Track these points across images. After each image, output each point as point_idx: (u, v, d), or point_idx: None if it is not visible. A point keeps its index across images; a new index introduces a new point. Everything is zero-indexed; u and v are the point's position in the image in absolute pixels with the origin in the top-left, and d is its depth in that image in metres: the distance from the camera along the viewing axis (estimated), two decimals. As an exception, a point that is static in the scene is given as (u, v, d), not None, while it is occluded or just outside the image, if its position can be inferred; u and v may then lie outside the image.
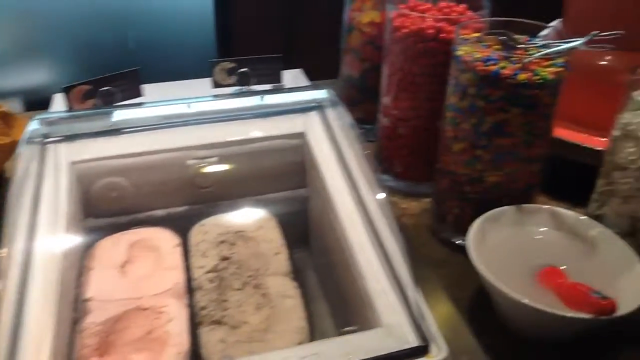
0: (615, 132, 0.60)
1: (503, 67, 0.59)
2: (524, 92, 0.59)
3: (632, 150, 0.58)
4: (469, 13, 0.75)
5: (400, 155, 0.79)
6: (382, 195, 0.75)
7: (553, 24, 0.93)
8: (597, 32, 0.59)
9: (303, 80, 0.94)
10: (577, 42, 0.59)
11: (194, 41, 1.79)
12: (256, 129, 0.82)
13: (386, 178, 0.82)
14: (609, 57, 0.82)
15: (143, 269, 0.68)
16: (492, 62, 0.59)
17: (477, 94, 0.61)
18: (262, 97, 0.86)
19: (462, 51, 0.62)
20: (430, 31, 0.69)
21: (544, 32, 0.83)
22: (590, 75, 0.82)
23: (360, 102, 0.90)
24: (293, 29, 1.70)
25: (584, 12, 0.85)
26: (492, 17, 0.72)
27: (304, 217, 0.82)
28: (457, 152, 0.65)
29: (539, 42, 0.63)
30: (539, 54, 0.59)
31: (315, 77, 1.00)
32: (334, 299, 0.74)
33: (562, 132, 0.82)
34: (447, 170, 0.68)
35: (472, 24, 0.70)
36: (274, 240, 0.75)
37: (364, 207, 0.69)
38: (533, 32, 0.66)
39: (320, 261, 0.80)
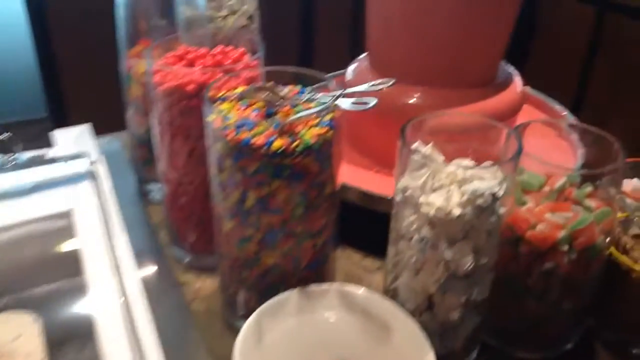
0: (396, 197, 0.52)
1: (258, 134, 0.49)
2: (283, 162, 0.49)
3: (412, 219, 0.50)
4: (246, 58, 0.65)
5: (189, 224, 0.68)
6: (139, 287, 0.64)
7: (360, 56, 0.86)
8: (344, 90, 0.50)
9: (87, 140, 0.81)
10: (339, 97, 0.50)
11: (19, 95, 1.59)
12: (13, 212, 0.68)
13: (179, 252, 0.71)
14: (417, 94, 0.75)
15: None
16: (245, 127, 0.49)
17: (233, 167, 0.50)
18: (22, 171, 0.72)
19: (214, 115, 0.52)
20: (191, 87, 0.59)
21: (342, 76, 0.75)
22: (398, 114, 0.75)
23: (152, 161, 0.78)
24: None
25: (384, 50, 0.79)
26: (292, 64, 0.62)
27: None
28: (228, 231, 0.55)
29: (308, 96, 0.54)
30: (296, 115, 0.50)
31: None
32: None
33: (371, 183, 0.74)
34: (223, 251, 0.57)
35: (248, 73, 0.61)
36: (33, 353, 0.61)
37: (127, 302, 0.57)
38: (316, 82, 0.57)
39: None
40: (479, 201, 0.47)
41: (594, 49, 1.42)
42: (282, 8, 1.44)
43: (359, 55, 0.88)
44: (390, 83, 0.52)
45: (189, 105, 0.59)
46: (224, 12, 0.85)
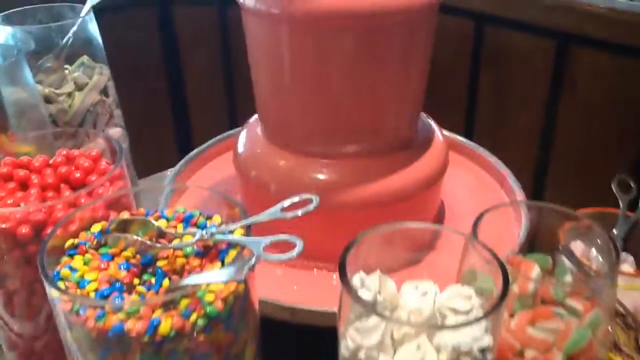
0: (343, 351, 0.38)
1: (133, 313, 0.32)
2: (178, 347, 0.33)
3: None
4: (103, 165, 0.48)
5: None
6: None
7: (251, 119, 0.70)
8: (258, 256, 0.35)
9: None
10: (253, 264, 0.34)
11: None
12: None
13: None
14: (325, 168, 0.61)
15: None
16: (112, 304, 0.33)
17: (102, 363, 0.34)
18: None
19: (58, 290, 0.34)
20: (24, 231, 0.41)
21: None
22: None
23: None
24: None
25: (277, 113, 0.64)
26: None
27: None
28: None
29: (201, 232, 0.38)
30: (189, 280, 0.34)
31: None
32: None
33: (288, 286, 0.59)
34: None
35: (107, 192, 0.44)
36: None
37: None
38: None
39: None
40: (465, 360, 0.34)
41: (477, 63, 1.38)
42: (141, 69, 1.24)
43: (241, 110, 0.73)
44: (314, 204, 0.37)
45: (25, 254, 0.41)
46: (67, 89, 0.66)
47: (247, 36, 0.61)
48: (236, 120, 1.31)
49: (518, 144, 1.30)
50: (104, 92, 0.68)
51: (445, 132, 0.82)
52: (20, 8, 0.67)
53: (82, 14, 0.64)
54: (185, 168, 0.76)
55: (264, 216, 0.37)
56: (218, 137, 0.82)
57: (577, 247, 0.55)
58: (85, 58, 0.69)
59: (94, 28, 0.67)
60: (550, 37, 1.19)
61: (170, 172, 0.76)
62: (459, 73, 1.34)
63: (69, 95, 0.66)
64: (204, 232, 0.37)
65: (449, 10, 1.30)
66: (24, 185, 0.46)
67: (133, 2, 1.20)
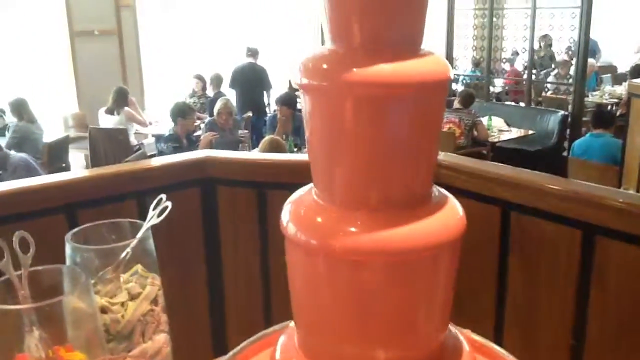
0: None
1: None
2: None
3: None
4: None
5: None
6: None
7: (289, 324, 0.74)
8: None
9: None
10: None
11: None
12: None
13: None
14: None
15: None
16: None
17: None
18: None
19: None
20: None
21: None
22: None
23: None
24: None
25: (314, 332, 0.68)
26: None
27: None
28: None
29: None
30: None
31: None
32: None
33: None
34: None
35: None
36: None
37: None
38: None
39: None
40: None
41: (505, 249, 1.42)
42: (182, 247, 1.32)
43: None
44: None
45: None
46: (121, 298, 0.72)
47: (287, 257, 0.67)
48: (270, 307, 1.33)
49: (550, 331, 1.28)
50: (154, 300, 0.74)
51: (476, 337, 0.84)
52: (85, 225, 0.75)
53: (139, 235, 0.72)
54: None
55: None
56: (253, 338, 0.85)
57: None
58: (139, 267, 0.75)
59: (150, 243, 0.74)
60: (574, 226, 1.23)
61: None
62: (486, 259, 1.37)
63: (122, 304, 0.72)
64: None
65: (475, 196, 1.36)
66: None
67: (177, 185, 1.29)
